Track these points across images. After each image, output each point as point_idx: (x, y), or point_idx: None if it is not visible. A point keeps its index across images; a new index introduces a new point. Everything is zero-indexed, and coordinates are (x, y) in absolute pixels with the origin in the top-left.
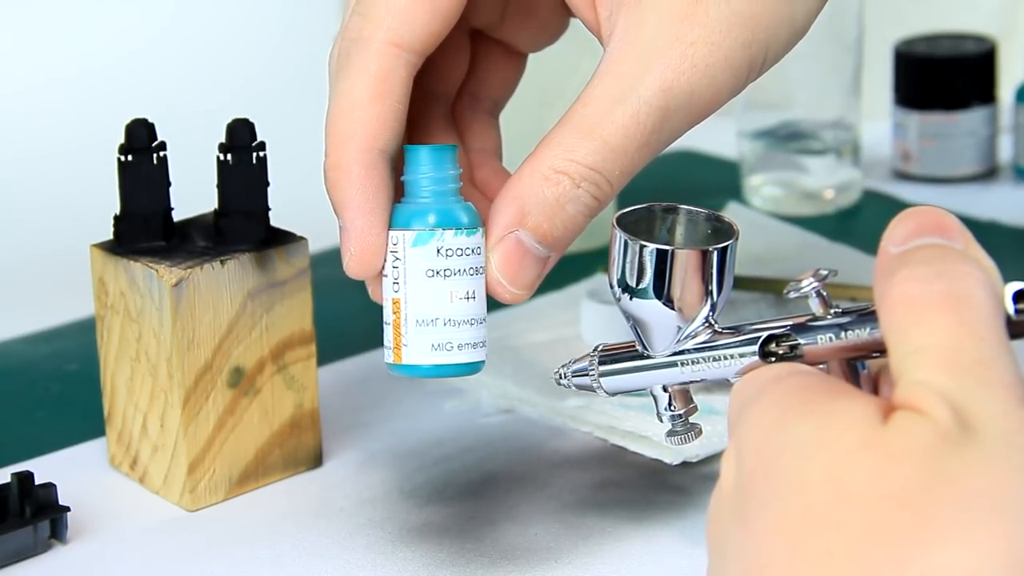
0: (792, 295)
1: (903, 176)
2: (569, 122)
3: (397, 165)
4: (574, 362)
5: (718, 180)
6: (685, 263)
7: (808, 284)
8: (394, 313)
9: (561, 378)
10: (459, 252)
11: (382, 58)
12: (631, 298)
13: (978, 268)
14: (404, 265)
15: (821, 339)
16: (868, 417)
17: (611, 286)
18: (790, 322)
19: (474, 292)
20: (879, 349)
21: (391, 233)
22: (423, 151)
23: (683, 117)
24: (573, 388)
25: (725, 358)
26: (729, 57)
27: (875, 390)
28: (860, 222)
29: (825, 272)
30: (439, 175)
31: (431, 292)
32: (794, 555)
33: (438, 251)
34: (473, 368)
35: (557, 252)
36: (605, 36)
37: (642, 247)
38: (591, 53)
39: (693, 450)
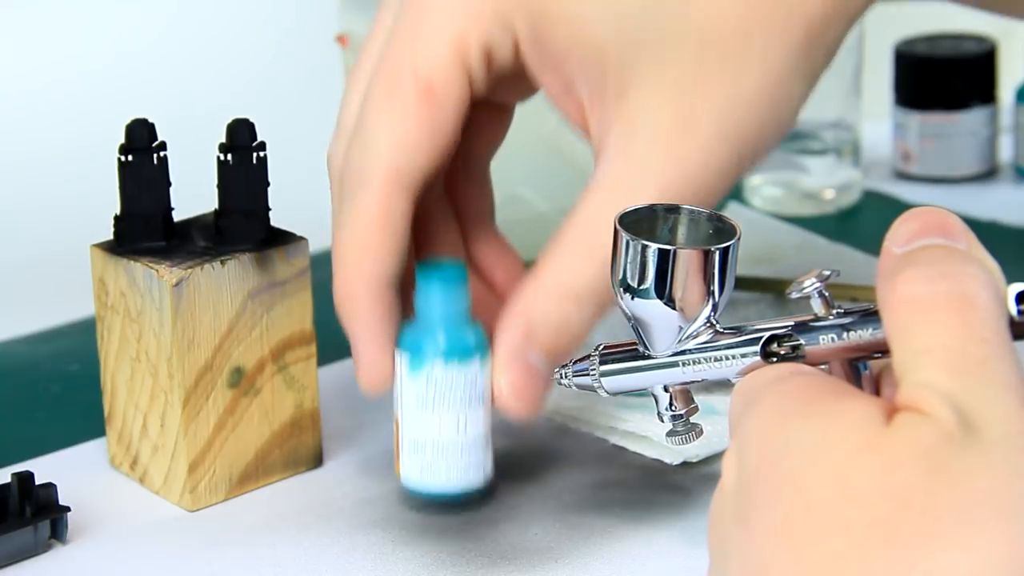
0: (794, 295)
1: (903, 176)
2: (569, 239)
3: (405, 282)
4: (575, 362)
5: None
6: (687, 263)
7: (810, 284)
8: (395, 429)
9: (562, 378)
10: (450, 383)
11: (385, 196)
12: (632, 298)
13: (981, 269)
14: (401, 388)
15: (823, 339)
16: (871, 418)
17: (612, 285)
18: (792, 322)
19: (465, 422)
20: (881, 349)
21: (396, 351)
22: (431, 279)
23: None
24: (574, 388)
25: (727, 358)
26: (722, 167)
27: (877, 390)
28: (860, 222)
29: (827, 272)
30: (444, 300)
31: (421, 419)
32: (797, 556)
33: (427, 380)
34: (464, 495)
35: (562, 361)
36: (596, 145)
37: (644, 247)
38: None
39: (693, 450)
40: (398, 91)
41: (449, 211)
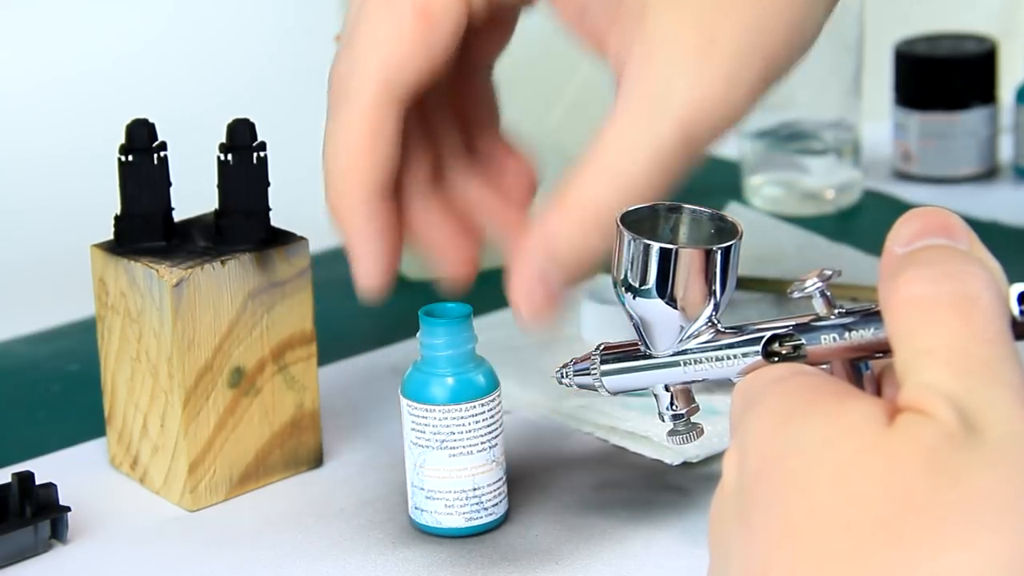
0: (796, 295)
1: (903, 176)
2: (592, 165)
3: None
4: (576, 361)
5: (718, 180)
6: (689, 262)
7: (812, 284)
8: (408, 470)
9: (563, 377)
10: (460, 425)
11: (374, 107)
12: (634, 297)
13: (983, 269)
14: (410, 431)
15: (825, 339)
16: (873, 419)
17: (614, 284)
18: (793, 322)
19: (478, 461)
20: (883, 349)
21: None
22: (436, 322)
23: (703, 144)
24: (575, 387)
25: (728, 358)
26: (745, 87)
27: (879, 390)
28: (860, 222)
29: (829, 272)
30: (450, 342)
31: (433, 462)
32: (799, 557)
33: (437, 423)
34: (450, 532)
35: (580, 282)
36: (616, 71)
37: (646, 246)
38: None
39: (694, 450)
40: (394, 9)
41: (450, 116)
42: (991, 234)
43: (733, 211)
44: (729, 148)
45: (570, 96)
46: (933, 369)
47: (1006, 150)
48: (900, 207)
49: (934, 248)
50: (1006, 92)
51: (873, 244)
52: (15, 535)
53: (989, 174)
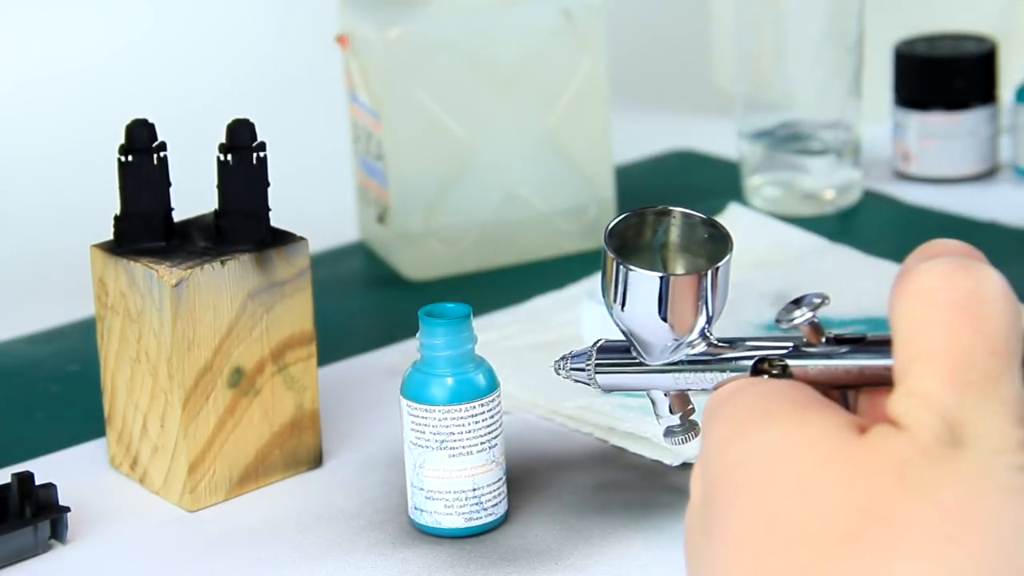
0: (783, 326)
1: (903, 176)
2: None
3: None
4: (574, 355)
5: (718, 181)
6: (679, 288)
7: (801, 315)
8: (408, 471)
9: (559, 369)
10: (460, 425)
11: None
12: (622, 309)
13: (1001, 277)
14: (410, 432)
15: (812, 367)
16: (839, 429)
17: (603, 299)
18: (783, 348)
19: (478, 462)
20: (871, 381)
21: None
22: (436, 323)
23: None
24: (572, 380)
25: (717, 372)
26: None
27: (847, 400)
28: (860, 222)
29: (818, 300)
30: (450, 342)
31: (433, 462)
32: (761, 568)
33: (437, 424)
34: (450, 532)
35: None
36: None
37: (634, 273)
38: (591, 53)
39: (692, 451)
40: None
41: None
42: (991, 234)
43: (733, 211)
44: (729, 148)
45: (570, 96)
46: (932, 377)
47: (1006, 150)
48: (900, 207)
49: (953, 256)
50: (1006, 92)
51: (873, 244)
52: (15, 535)
53: (989, 174)
